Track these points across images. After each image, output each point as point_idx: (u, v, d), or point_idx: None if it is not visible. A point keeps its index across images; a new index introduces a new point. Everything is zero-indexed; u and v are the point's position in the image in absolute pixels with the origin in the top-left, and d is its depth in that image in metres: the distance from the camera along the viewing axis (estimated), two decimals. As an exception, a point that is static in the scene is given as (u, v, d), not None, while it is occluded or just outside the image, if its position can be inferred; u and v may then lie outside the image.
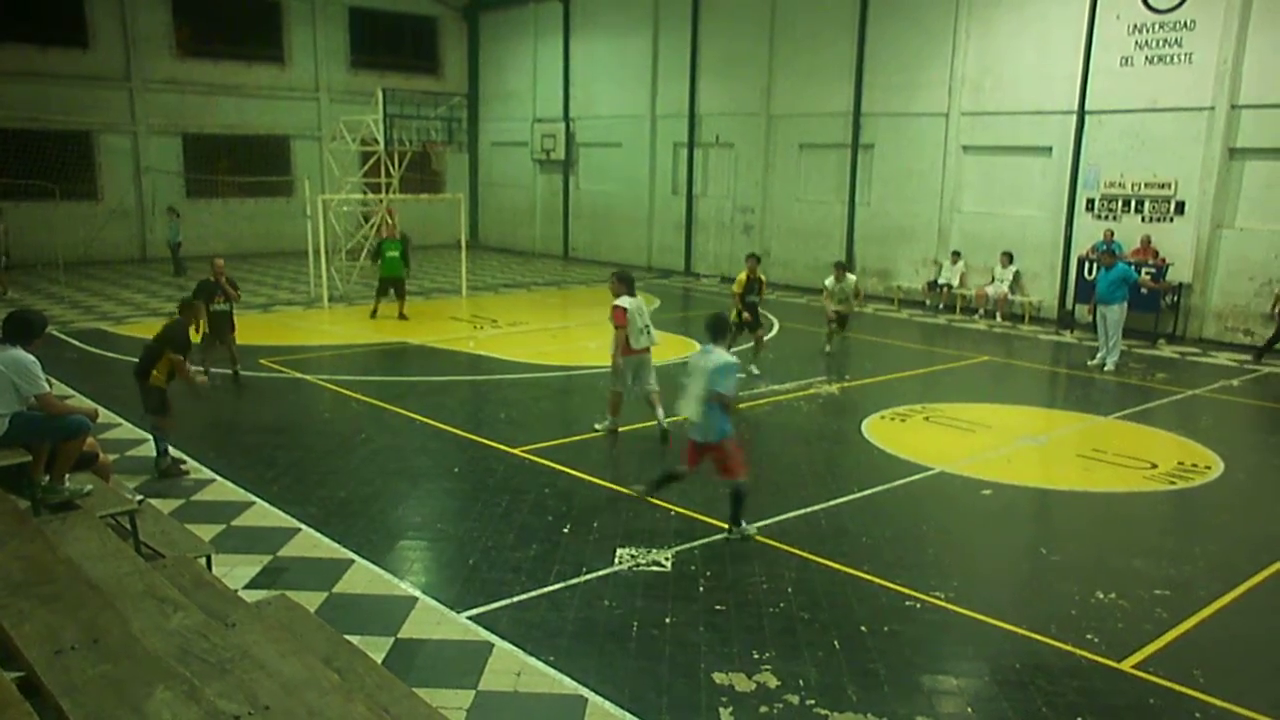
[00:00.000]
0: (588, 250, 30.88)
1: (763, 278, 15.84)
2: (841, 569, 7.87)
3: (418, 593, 7.32)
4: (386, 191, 22.86)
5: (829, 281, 16.93)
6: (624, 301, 11.26)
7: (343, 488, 9.66)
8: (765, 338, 16.05)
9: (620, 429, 11.66)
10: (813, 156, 24.91)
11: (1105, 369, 16.13)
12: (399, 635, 6.62)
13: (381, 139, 22.44)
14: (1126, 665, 6.44)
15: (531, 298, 23.55)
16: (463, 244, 23.88)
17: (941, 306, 22.29)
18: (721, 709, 5.84)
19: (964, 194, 22.28)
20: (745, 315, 15.01)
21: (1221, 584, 7.77)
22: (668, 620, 6.94)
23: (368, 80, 30.27)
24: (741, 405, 13.03)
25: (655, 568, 7.82)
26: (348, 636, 5.38)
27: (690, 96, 27.40)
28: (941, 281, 22.18)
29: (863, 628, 6.89)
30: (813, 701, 5.92)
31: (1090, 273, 19.45)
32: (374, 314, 19.43)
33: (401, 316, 19.05)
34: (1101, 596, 7.50)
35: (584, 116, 30.57)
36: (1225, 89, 18.18)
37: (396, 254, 19.32)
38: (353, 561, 7.86)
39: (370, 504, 9.25)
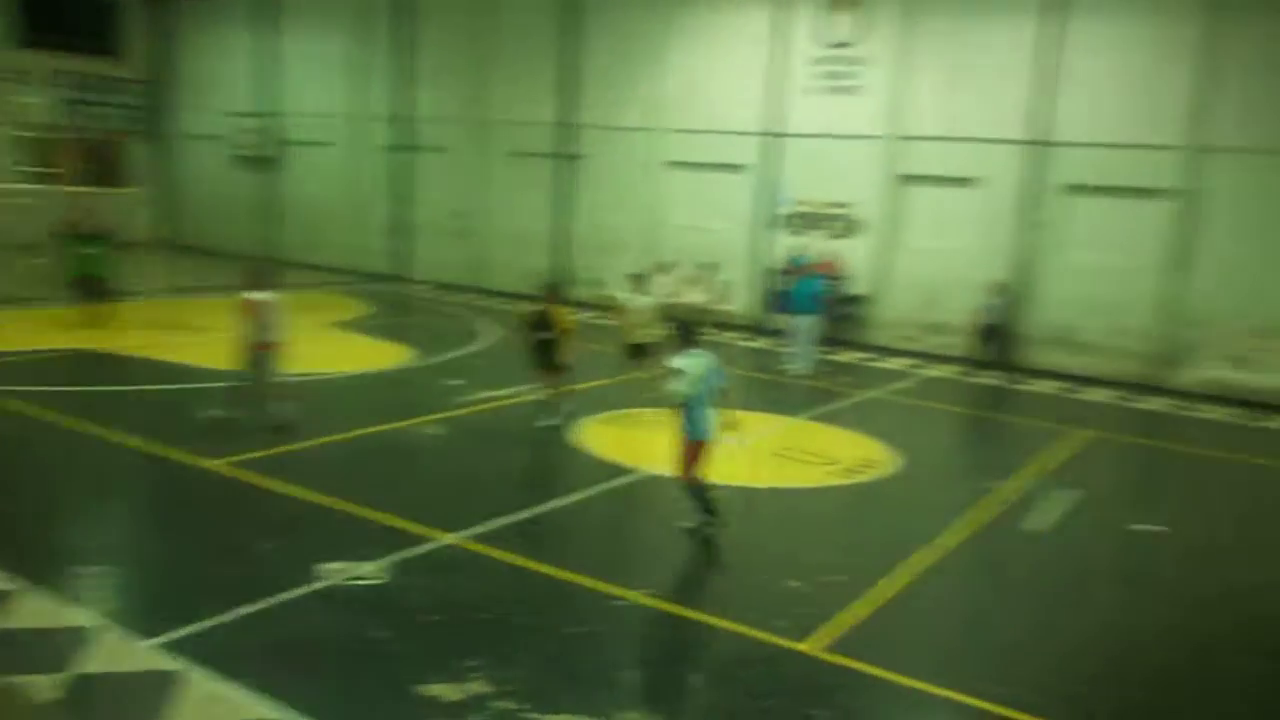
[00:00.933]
0: (299, 252, 29.48)
1: (559, 315, 12.72)
2: (553, 572, 8.00)
3: (97, 622, 6.70)
4: (61, 182, 20.70)
5: (625, 296, 14.52)
6: (255, 295, 11.31)
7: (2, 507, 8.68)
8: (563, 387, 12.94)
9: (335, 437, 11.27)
10: (526, 165, 25.16)
11: (799, 373, 17.45)
12: (75, 671, 6.04)
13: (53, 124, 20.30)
14: (808, 647, 6.99)
15: (230, 303, 22.14)
16: (151, 242, 22.05)
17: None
18: (428, 722, 5.78)
19: (672, 207, 23.33)
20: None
21: (891, 569, 8.59)
22: (374, 635, 6.78)
23: (37, 60, 27.35)
24: (456, 411, 12.97)
25: (362, 581, 7.61)
26: (8, 677, 4.84)
27: (404, 98, 26.90)
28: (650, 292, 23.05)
29: (574, 629, 7.05)
30: (525, 706, 5.99)
31: (784, 286, 20.98)
32: (72, 315, 17.29)
33: (99, 321, 17.09)
34: (790, 584, 8.11)
35: (294, 113, 29.19)
36: (894, 120, 20.21)
37: (96, 251, 17.43)
38: (8, 592, 7.07)
39: (38, 525, 8.37)
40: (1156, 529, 10.44)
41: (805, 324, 17.66)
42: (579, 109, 24.21)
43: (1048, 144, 18.95)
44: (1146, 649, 7.70)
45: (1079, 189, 18.87)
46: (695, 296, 21.34)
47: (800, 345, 17.74)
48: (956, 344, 19.85)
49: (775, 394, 16.31)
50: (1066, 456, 13.10)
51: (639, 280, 14.81)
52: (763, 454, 12.24)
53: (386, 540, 8.43)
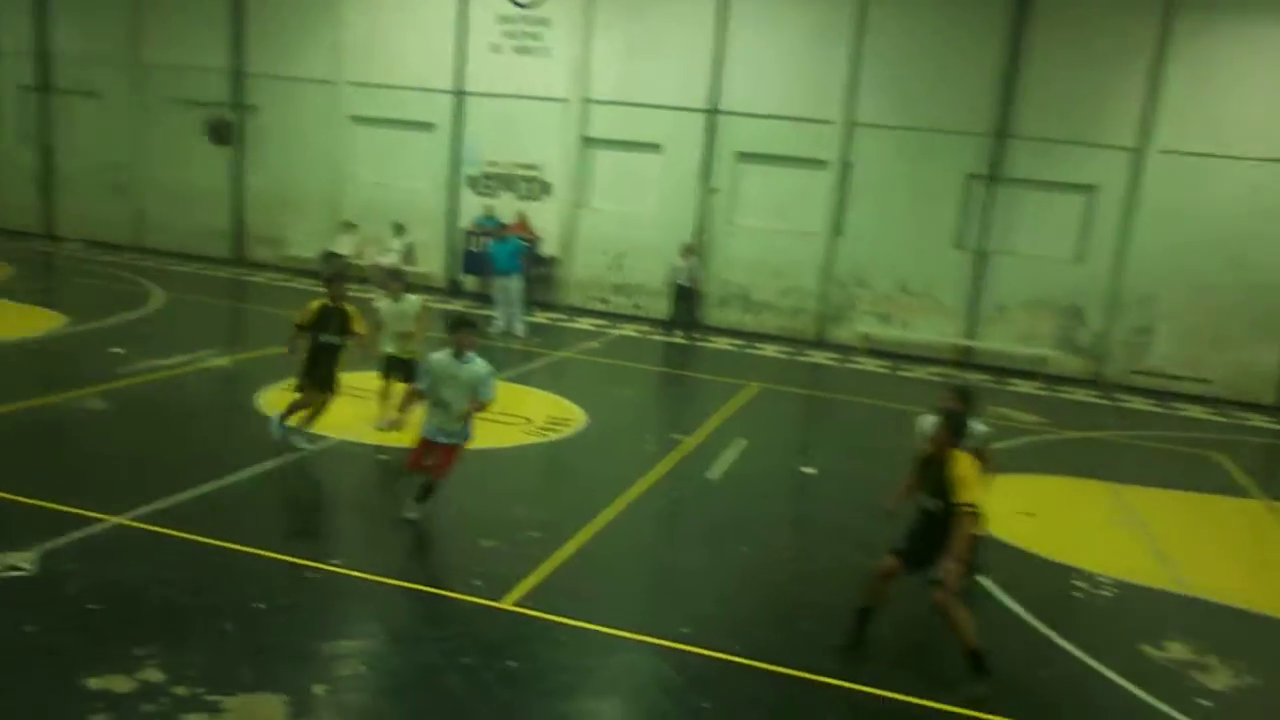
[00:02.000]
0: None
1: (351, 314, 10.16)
2: (236, 548, 7.56)
3: None
4: None
5: (384, 305, 11.28)
6: None
7: None
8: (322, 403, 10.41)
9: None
10: (192, 113, 23.18)
11: (516, 334, 17.55)
12: None
13: None
14: (506, 603, 7.10)
15: None
16: None
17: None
18: (96, 715, 5.31)
19: (357, 164, 22.45)
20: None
21: (583, 521, 8.87)
22: (29, 629, 6.11)
23: None
24: (120, 382, 11.89)
25: (14, 572, 6.82)
26: None
27: (40, 32, 23.91)
28: (337, 252, 22.13)
29: (258, 605, 6.71)
30: (203, 689, 5.64)
31: (476, 246, 20.90)
32: None
33: None
34: (486, 543, 8.17)
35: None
36: (579, 84, 20.56)
37: None
38: None
39: None
40: (815, 470, 11.48)
41: (509, 285, 17.74)
42: (249, 56, 22.64)
43: (721, 113, 20.04)
44: (814, 581, 8.48)
45: (750, 157, 20.16)
46: (382, 257, 20.79)
47: (504, 307, 17.80)
48: (645, 305, 20.72)
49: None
50: (741, 408, 14.08)
51: (395, 275, 12.13)
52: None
53: (41, 526, 7.57)
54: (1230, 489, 12.56)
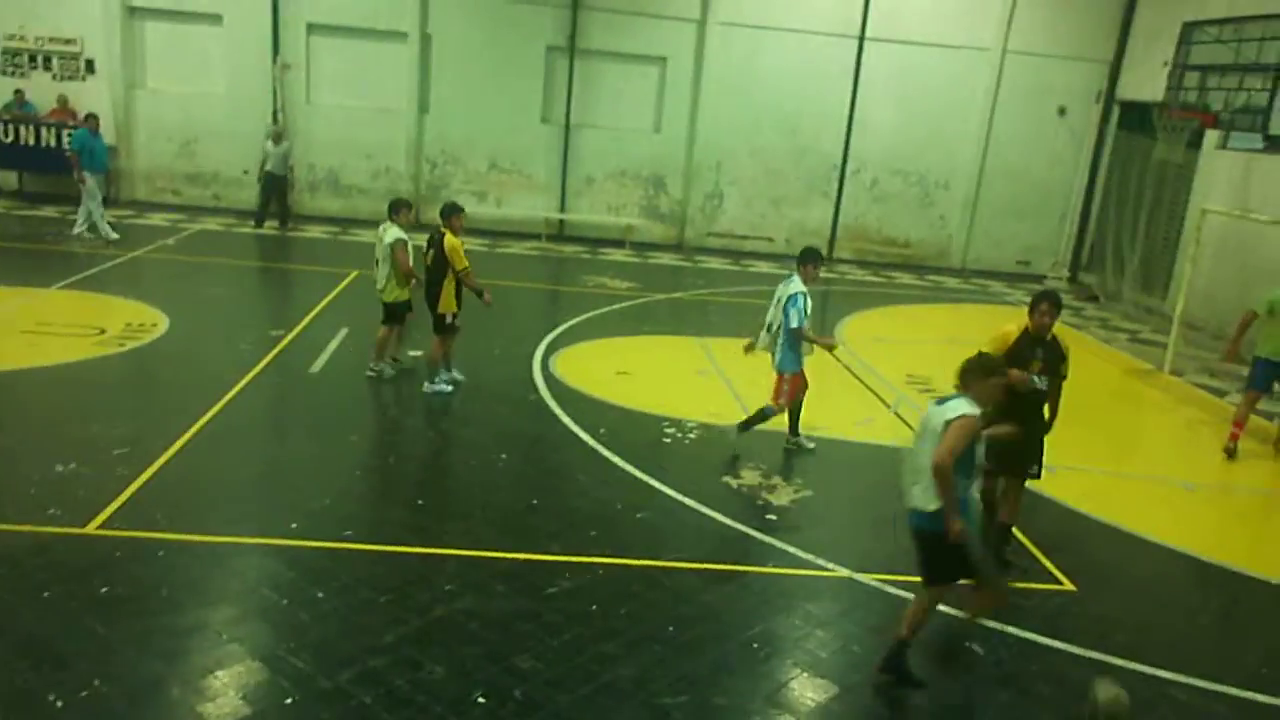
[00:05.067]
0: None
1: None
2: None
3: None
4: None
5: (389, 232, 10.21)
6: None
7: None
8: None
9: None
10: None
11: (112, 237, 15.79)
12: None
13: None
14: (91, 528, 6.50)
15: None
16: None
17: None
18: None
19: None
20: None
21: (175, 431, 8.26)
22: None
23: None
24: None
25: None
26: None
27: None
28: None
29: None
30: None
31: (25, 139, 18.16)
32: None
33: None
34: (61, 469, 7.38)
35: None
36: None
37: None
38: None
39: None
40: (420, 352, 11.46)
41: (92, 181, 15.67)
42: None
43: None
44: (422, 461, 8.58)
45: (323, 29, 19.02)
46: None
47: (97, 207, 15.83)
48: (225, 195, 19.23)
49: (22, 263, 14.26)
50: (340, 297, 13.64)
51: (400, 207, 10.52)
52: (7, 333, 10.72)
53: None
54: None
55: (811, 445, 9.32)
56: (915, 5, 19.47)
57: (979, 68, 19.88)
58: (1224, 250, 14.61)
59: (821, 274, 9.26)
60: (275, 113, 19.01)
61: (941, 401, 5.56)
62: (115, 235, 15.85)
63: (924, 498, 5.46)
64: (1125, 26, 19.51)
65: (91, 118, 16.01)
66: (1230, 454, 10.24)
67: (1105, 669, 5.95)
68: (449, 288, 9.86)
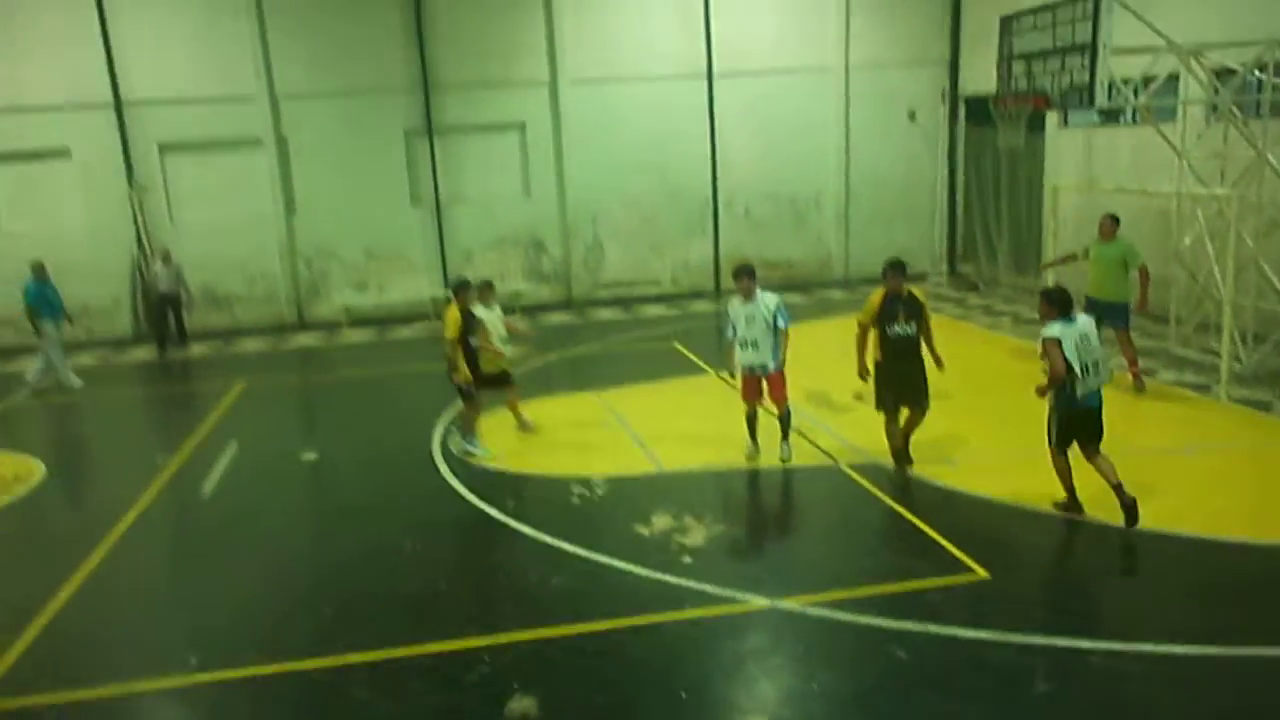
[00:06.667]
0: None
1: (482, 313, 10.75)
2: None
3: None
4: None
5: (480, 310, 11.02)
6: None
7: None
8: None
9: None
10: None
11: (74, 385, 15.12)
12: None
13: None
14: (-26, 705, 6.14)
15: None
16: None
17: None
18: None
19: None
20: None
21: (56, 584, 7.84)
22: None
23: None
24: None
25: None
26: None
27: None
28: None
29: None
30: None
31: None
32: None
33: None
34: (-63, 647, 6.95)
35: None
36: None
37: None
38: None
39: None
40: (316, 455, 11.20)
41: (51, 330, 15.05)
42: None
43: (130, 104, 18.30)
44: (330, 565, 8.32)
45: (176, 147, 18.71)
46: None
47: (59, 353, 15.20)
48: (97, 327, 18.67)
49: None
50: (228, 412, 13.27)
51: (485, 289, 11.24)
52: None
53: None
54: (687, 369, 14.31)
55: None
56: (755, 37, 19.97)
57: (826, 86, 20.47)
58: (1081, 220, 15.17)
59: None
60: (140, 236, 18.55)
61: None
62: (78, 382, 15.23)
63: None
64: (955, 27, 20.40)
65: (38, 266, 15.23)
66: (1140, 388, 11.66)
67: (1027, 650, 6.03)
68: (457, 359, 10.27)
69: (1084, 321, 7.81)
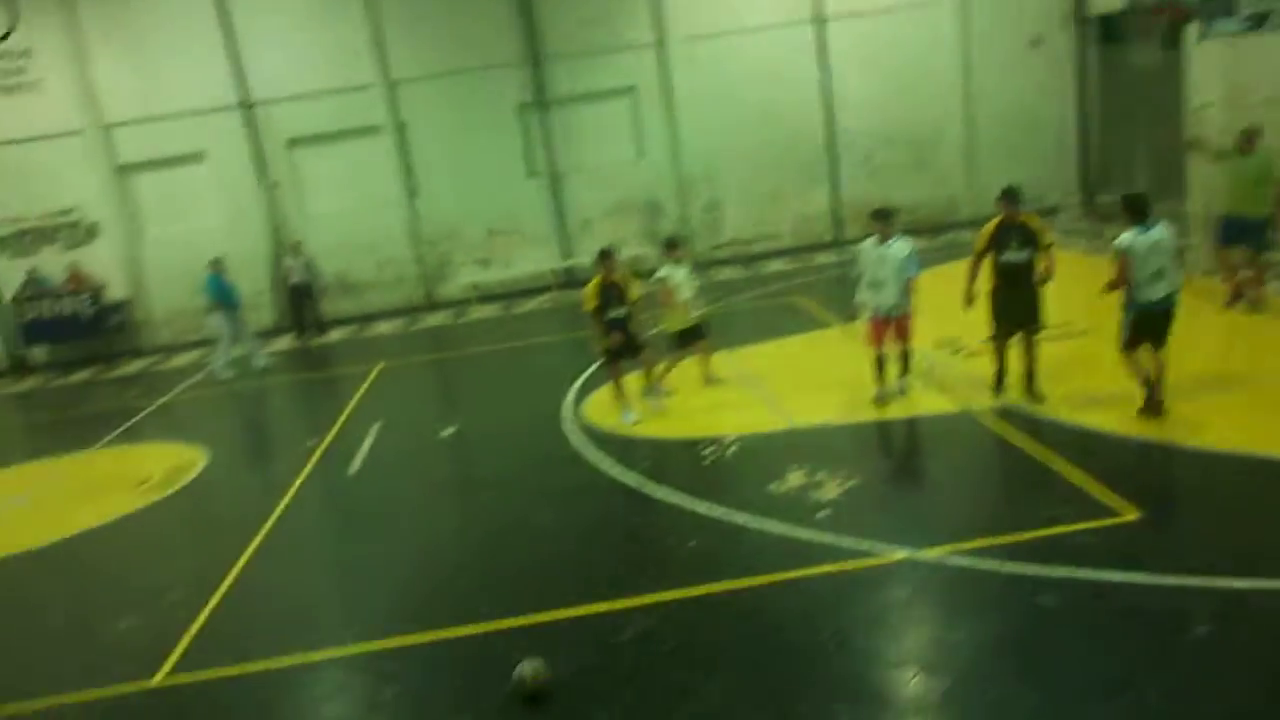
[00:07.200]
0: None
1: (623, 282, 10.68)
2: None
3: None
4: None
5: (665, 270, 11.26)
6: None
7: None
8: (660, 365, 11.27)
9: None
10: None
11: (261, 365, 16.41)
12: None
13: None
14: (158, 680, 6.58)
15: None
16: None
17: None
18: None
19: None
20: (614, 338, 10.61)
21: (226, 564, 8.34)
22: None
23: None
24: None
25: None
26: None
27: None
28: None
29: None
30: None
31: (33, 312, 18.81)
32: None
33: None
34: (122, 625, 7.50)
35: None
36: (89, 110, 18.68)
37: None
38: None
39: None
40: (453, 430, 11.55)
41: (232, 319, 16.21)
42: None
43: (258, 104, 19.07)
44: (476, 538, 8.58)
45: (302, 141, 19.42)
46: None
47: (248, 340, 16.54)
48: (255, 318, 19.55)
49: (65, 430, 14.66)
50: (368, 393, 13.80)
51: (672, 246, 11.54)
52: (61, 498, 10.98)
53: None
54: (811, 324, 14.13)
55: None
56: (863, -26, 19.41)
57: (942, 18, 19.73)
58: (1227, 141, 14.24)
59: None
60: (276, 231, 19.38)
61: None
62: (268, 362, 16.51)
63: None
64: (1078, -59, 19.32)
65: (215, 261, 16.20)
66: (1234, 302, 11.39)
67: (1183, 592, 5.79)
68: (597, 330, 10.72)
69: (1159, 229, 8.12)
